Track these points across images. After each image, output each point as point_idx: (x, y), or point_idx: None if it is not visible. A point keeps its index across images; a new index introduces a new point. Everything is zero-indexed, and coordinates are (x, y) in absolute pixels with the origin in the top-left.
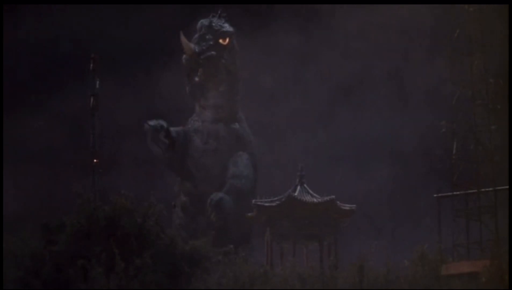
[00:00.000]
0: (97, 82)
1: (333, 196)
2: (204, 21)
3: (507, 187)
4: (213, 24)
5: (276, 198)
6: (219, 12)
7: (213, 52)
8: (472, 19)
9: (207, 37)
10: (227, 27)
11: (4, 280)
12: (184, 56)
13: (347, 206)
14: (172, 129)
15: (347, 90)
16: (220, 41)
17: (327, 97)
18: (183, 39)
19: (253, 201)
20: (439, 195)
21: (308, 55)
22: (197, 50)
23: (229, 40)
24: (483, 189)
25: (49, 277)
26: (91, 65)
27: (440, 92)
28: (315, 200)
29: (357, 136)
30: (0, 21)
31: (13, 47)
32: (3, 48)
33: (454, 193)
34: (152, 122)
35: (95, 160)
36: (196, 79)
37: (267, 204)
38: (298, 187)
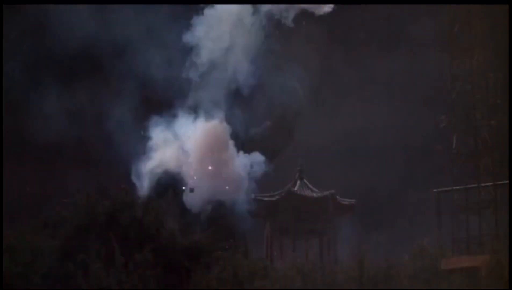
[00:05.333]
0: None
1: (333, 191)
2: None
3: (507, 181)
4: None
5: (276, 193)
6: None
7: None
8: (473, 14)
9: None
10: None
11: (4, 274)
12: None
13: (346, 201)
14: None
15: (347, 85)
16: None
17: (327, 92)
18: None
19: (253, 195)
20: (439, 189)
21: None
22: None
23: None
24: (483, 184)
25: (49, 272)
26: None
27: (440, 87)
28: (314, 194)
29: (357, 131)
30: (0, 21)
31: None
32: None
33: (454, 188)
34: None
35: None
36: None
37: (266, 199)
38: (298, 182)
